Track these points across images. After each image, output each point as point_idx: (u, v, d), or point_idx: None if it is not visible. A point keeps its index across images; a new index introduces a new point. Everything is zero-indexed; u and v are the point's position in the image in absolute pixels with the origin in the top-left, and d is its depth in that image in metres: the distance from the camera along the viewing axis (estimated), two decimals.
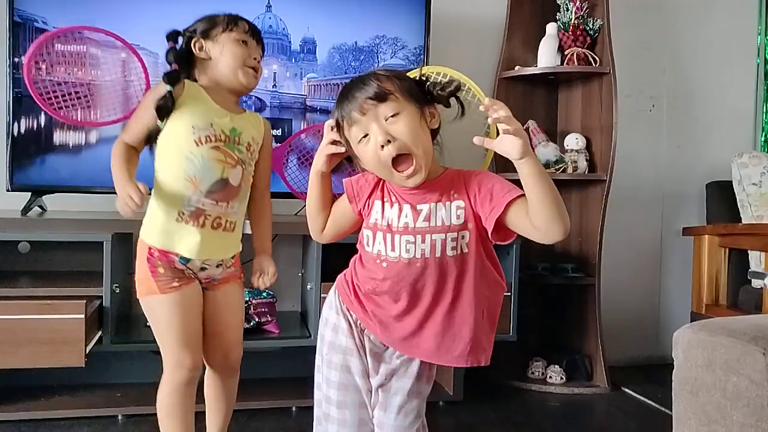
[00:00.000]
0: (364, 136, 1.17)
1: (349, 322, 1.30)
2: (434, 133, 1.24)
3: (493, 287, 1.26)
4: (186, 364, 1.54)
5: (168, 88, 1.52)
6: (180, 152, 1.53)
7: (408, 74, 1.25)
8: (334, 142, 1.24)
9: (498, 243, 1.20)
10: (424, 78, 1.23)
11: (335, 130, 1.24)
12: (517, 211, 1.14)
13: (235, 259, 1.69)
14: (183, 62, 1.61)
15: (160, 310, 1.55)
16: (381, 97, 1.15)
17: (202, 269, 1.59)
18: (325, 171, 1.29)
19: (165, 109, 1.51)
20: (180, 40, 1.64)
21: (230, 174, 1.56)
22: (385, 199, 1.24)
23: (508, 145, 1.07)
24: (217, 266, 1.61)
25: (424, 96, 1.21)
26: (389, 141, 1.14)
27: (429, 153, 1.19)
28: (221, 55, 1.60)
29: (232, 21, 1.63)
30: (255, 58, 1.64)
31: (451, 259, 1.20)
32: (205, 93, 1.59)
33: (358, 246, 1.31)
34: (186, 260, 1.55)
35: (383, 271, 1.23)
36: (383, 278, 1.23)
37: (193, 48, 1.61)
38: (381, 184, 1.26)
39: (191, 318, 1.57)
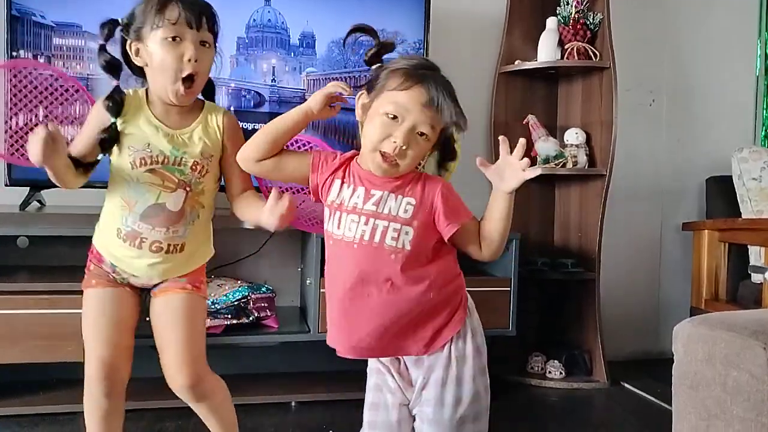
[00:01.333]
0: (394, 118, 1.20)
1: None
2: None
3: (437, 289, 1.26)
4: (92, 375, 1.41)
5: (111, 120, 1.39)
6: (118, 171, 1.43)
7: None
8: (341, 89, 1.28)
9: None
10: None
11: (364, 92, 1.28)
12: (468, 231, 1.26)
13: (189, 274, 1.52)
14: (117, 69, 1.42)
15: (83, 306, 1.47)
16: (437, 120, 1.21)
17: (134, 276, 1.47)
18: (315, 113, 1.29)
19: (108, 142, 1.38)
20: (115, 34, 1.42)
21: (167, 199, 1.42)
22: (345, 180, 1.28)
23: (510, 178, 1.20)
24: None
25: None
26: (402, 147, 1.19)
27: (408, 170, 1.26)
28: (152, 62, 1.38)
29: (160, 11, 1.35)
30: (190, 59, 1.36)
31: (389, 249, 1.22)
32: (146, 105, 1.43)
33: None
34: (115, 265, 1.46)
35: (331, 250, 1.28)
36: (331, 257, 1.28)
37: (129, 52, 1.41)
38: (344, 166, 1.29)
39: (103, 321, 1.43)
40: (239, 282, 2.27)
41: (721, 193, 2.86)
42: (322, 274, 2.13)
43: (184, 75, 1.36)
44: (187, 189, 1.44)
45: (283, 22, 2.35)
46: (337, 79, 2.40)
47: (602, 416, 2.39)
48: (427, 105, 1.19)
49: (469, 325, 1.31)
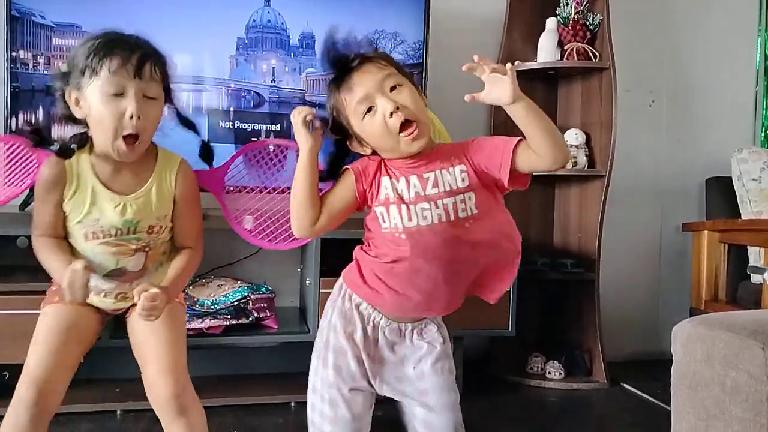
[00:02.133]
0: (368, 111, 1.21)
1: (355, 321, 1.30)
2: None
3: (505, 244, 1.29)
4: (24, 398, 1.26)
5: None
6: (75, 242, 1.35)
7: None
8: (303, 111, 1.25)
9: (517, 189, 1.26)
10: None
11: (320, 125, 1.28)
12: (523, 152, 1.20)
13: None
14: (69, 121, 1.31)
15: (38, 323, 1.36)
16: (383, 67, 1.22)
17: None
18: (313, 144, 1.25)
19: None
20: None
21: (128, 263, 1.36)
22: (392, 176, 1.26)
23: (500, 92, 1.15)
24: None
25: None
26: (397, 108, 1.19)
27: (428, 122, 1.25)
28: (91, 117, 1.26)
29: (98, 60, 1.21)
30: (132, 116, 1.22)
31: (463, 221, 1.23)
32: (90, 171, 1.30)
33: (366, 232, 1.31)
34: None
35: (403, 244, 1.24)
36: (405, 251, 1.24)
37: (68, 102, 1.28)
38: (381, 164, 1.28)
39: (55, 340, 1.32)
40: (239, 282, 2.27)
41: (720, 193, 2.86)
42: (321, 275, 2.17)
43: (125, 134, 1.24)
44: (147, 250, 1.37)
45: (282, 23, 2.35)
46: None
47: (601, 417, 2.39)
48: (362, 70, 1.21)
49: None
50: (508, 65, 1.15)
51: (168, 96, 1.35)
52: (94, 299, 1.38)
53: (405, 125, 1.20)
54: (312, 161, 1.26)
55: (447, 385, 1.29)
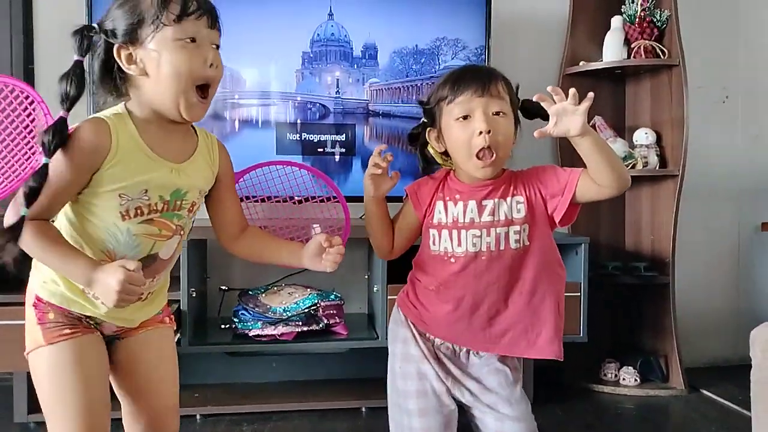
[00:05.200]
0: (464, 117, 1.23)
1: (413, 332, 1.34)
2: None
3: (556, 278, 1.31)
4: None
5: (44, 161, 1.01)
6: (101, 221, 1.11)
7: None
8: (376, 165, 1.27)
9: (562, 226, 1.28)
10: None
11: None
12: (583, 183, 1.22)
13: (164, 307, 1.30)
14: (106, 82, 1.14)
15: (45, 366, 1.11)
16: (498, 93, 1.23)
17: (105, 323, 1.19)
18: (377, 195, 1.31)
19: (32, 193, 1.00)
20: (92, 43, 1.10)
21: (162, 248, 1.16)
22: (447, 198, 1.29)
23: (570, 124, 1.15)
24: None
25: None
26: (489, 132, 1.21)
27: (506, 158, 1.27)
28: (159, 70, 1.08)
29: (165, 4, 1.07)
30: (212, 64, 1.11)
31: (514, 252, 1.26)
32: (139, 138, 1.10)
33: (417, 255, 1.35)
34: (83, 314, 1.16)
35: (451, 268, 1.27)
36: (451, 275, 1.28)
37: (118, 60, 1.10)
38: (440, 185, 1.31)
39: (90, 378, 1.11)
40: (309, 290, 2.32)
41: None
42: (388, 281, 2.19)
43: (200, 83, 1.11)
44: (181, 234, 1.20)
45: (345, 35, 2.39)
46: (399, 89, 2.45)
47: (679, 424, 2.31)
48: (480, 88, 1.22)
49: None
50: (586, 99, 1.15)
51: None
52: (100, 309, 1.15)
53: (483, 150, 1.21)
54: (373, 208, 1.32)
55: (514, 397, 1.30)
